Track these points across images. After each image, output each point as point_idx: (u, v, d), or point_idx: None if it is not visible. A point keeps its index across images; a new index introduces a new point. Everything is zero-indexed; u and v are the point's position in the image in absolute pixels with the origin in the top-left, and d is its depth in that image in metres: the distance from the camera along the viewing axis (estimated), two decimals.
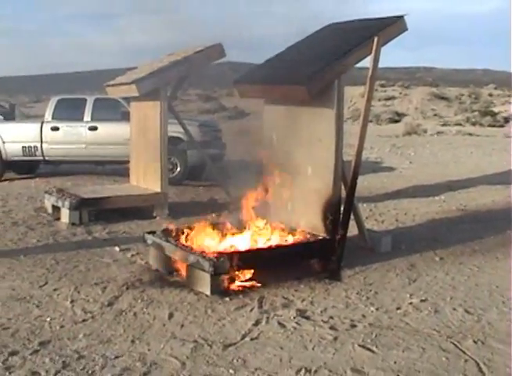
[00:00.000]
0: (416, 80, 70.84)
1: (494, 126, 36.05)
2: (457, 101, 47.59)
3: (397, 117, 41.30)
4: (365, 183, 14.84)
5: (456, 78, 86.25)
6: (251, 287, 7.35)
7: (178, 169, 15.43)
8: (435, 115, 42.99)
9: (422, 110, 44.45)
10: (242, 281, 7.40)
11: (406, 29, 8.52)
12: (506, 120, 37.79)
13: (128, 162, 13.08)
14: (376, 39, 7.95)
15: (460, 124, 37.01)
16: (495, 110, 41.62)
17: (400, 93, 50.02)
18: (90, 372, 5.22)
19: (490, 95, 51.63)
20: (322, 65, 8.06)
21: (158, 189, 11.67)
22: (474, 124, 37.21)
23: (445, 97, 48.01)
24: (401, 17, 8.44)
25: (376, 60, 8.00)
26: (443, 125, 36.69)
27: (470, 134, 31.10)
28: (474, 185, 15.25)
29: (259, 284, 7.40)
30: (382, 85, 52.47)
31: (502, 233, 10.18)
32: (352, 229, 8.85)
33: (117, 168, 15.94)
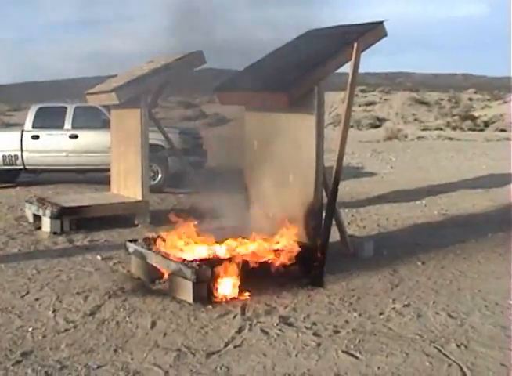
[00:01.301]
0: (396, 85, 71.06)
1: (474, 130, 36.25)
2: (437, 106, 47.76)
3: (377, 123, 41.41)
4: (347, 189, 14.87)
5: (435, 83, 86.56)
6: (233, 295, 7.33)
7: (159, 176, 15.42)
8: (416, 120, 43.13)
9: (402, 115, 44.58)
10: (224, 289, 7.38)
11: (386, 34, 8.53)
12: (486, 124, 37.99)
13: (108, 170, 13.02)
14: (355, 45, 7.96)
15: (441, 129, 37.18)
16: (475, 114, 41.86)
17: (380, 98, 50.16)
18: None
19: (470, 99, 51.91)
20: (302, 71, 8.08)
21: (139, 197, 11.63)
22: (454, 128, 37.41)
23: (426, 102, 48.19)
24: (380, 23, 8.45)
25: (356, 66, 8.01)
26: (424, 130, 36.83)
27: (451, 138, 31.22)
28: (455, 189, 15.31)
29: (241, 292, 7.38)
30: (362, 91, 52.61)
31: (483, 237, 10.22)
32: (334, 235, 8.85)
33: (98, 176, 15.86)
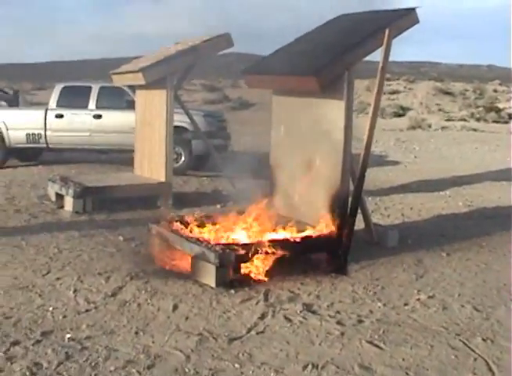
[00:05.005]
0: (421, 74, 70.71)
1: (498, 122, 35.94)
2: (462, 96, 47.42)
3: (401, 111, 41.17)
4: (370, 176, 14.67)
5: (460, 74, 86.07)
6: (257, 280, 7.26)
7: (183, 159, 15.34)
8: (440, 110, 42.83)
9: (426, 104, 44.30)
10: (247, 274, 7.31)
11: (418, 21, 8.40)
12: (510, 116, 37.68)
13: (132, 151, 12.97)
14: (387, 31, 7.85)
15: (465, 120, 36.88)
16: (500, 106, 41.50)
17: (405, 87, 49.87)
18: (93, 364, 5.13)
19: (495, 91, 51.47)
20: (333, 56, 7.97)
21: (162, 179, 11.59)
22: (478, 119, 37.08)
23: (450, 92, 47.87)
24: (413, 9, 8.32)
25: (387, 52, 7.90)
26: (447, 120, 36.57)
27: (475, 129, 31.02)
28: (479, 181, 15.18)
29: (265, 277, 7.31)
30: (387, 79, 52.27)
31: (509, 230, 10.09)
32: (358, 223, 8.76)
33: (121, 156, 15.83)
